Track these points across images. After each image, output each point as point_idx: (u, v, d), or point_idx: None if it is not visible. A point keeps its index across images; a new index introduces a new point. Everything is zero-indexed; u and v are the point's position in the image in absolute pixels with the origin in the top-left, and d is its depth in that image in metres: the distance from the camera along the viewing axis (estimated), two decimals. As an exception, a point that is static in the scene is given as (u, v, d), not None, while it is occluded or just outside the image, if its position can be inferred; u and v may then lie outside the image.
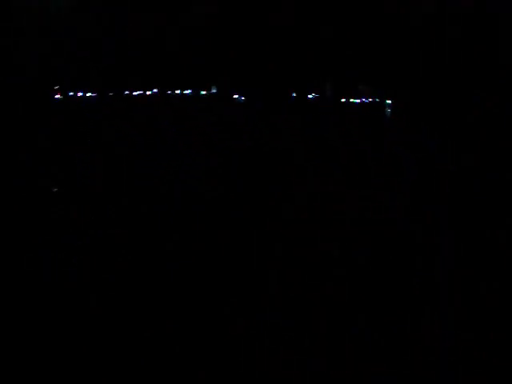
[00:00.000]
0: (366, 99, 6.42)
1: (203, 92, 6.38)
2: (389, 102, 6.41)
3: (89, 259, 5.88)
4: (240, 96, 6.39)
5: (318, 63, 6.49)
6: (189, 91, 6.36)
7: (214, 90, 6.39)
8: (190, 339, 5.49)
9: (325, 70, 6.48)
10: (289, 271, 5.83)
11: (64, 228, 5.98)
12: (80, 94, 6.19)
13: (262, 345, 5.39)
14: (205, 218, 6.06)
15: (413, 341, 5.41)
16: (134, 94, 6.28)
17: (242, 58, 6.46)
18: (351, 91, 6.45)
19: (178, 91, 6.35)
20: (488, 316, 5.54)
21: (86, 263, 5.86)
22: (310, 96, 6.43)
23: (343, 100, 6.44)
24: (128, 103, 6.26)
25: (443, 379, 5.18)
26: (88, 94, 6.22)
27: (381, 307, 5.65)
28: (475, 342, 5.35)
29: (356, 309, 5.64)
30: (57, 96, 6.17)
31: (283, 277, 5.81)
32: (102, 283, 5.78)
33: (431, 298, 5.67)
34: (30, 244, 5.89)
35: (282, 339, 5.44)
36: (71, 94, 6.20)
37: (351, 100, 6.43)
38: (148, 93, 6.31)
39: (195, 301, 5.76)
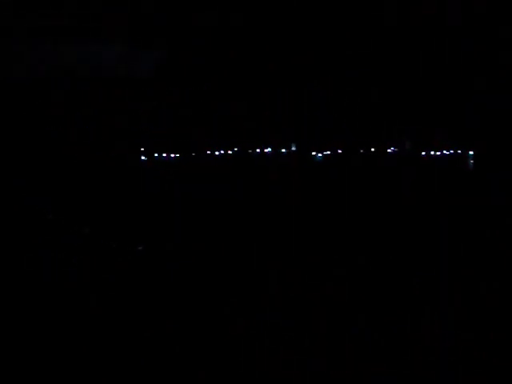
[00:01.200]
0: (447, 151, 6.27)
1: (283, 150, 6.38)
2: (471, 153, 6.25)
3: (89, 259, 5.87)
4: (317, 154, 6.35)
5: (395, 117, 6.42)
6: (269, 149, 6.36)
7: (294, 148, 6.36)
8: (190, 339, 5.47)
9: (402, 123, 6.38)
10: (289, 271, 5.83)
11: (64, 228, 5.99)
12: (164, 155, 6.31)
13: (261, 345, 5.38)
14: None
15: (413, 341, 5.39)
16: (216, 153, 6.34)
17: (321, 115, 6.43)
18: (430, 143, 6.29)
19: (257, 149, 6.37)
20: (488, 316, 5.53)
21: (86, 263, 5.85)
22: (389, 150, 6.34)
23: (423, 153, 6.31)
24: (210, 163, 6.33)
25: (443, 379, 5.16)
26: (172, 155, 6.33)
27: (381, 307, 5.64)
28: (475, 342, 5.34)
29: (356, 309, 5.63)
30: (143, 157, 6.29)
31: (283, 277, 5.80)
32: (102, 283, 5.77)
33: (431, 298, 5.66)
34: (30, 244, 5.89)
35: (282, 339, 5.43)
36: (156, 155, 6.33)
37: (432, 152, 6.29)
38: (229, 152, 6.36)
39: (195, 301, 5.75)
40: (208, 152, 6.46)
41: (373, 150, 6.41)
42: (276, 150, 6.45)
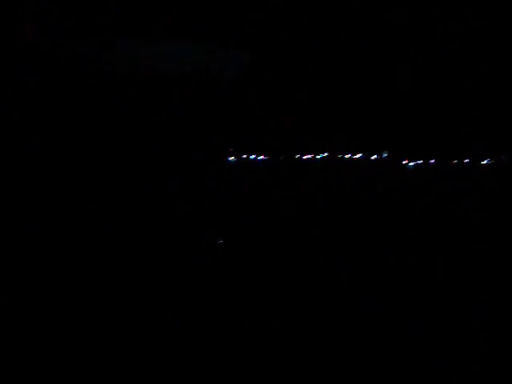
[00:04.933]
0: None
1: (374, 156, 6.24)
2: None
3: (89, 259, 5.89)
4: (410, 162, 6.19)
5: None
6: (360, 155, 6.24)
7: (385, 155, 6.20)
8: (189, 339, 5.48)
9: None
10: (288, 269, 5.84)
11: (64, 228, 6.01)
12: (252, 156, 6.29)
13: (261, 342, 5.39)
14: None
15: (414, 337, 5.40)
16: (304, 158, 6.27)
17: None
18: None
19: (348, 155, 6.24)
20: (487, 314, 5.54)
21: (86, 263, 5.87)
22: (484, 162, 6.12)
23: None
24: (298, 167, 6.25)
25: (442, 375, 5.18)
26: (260, 158, 6.30)
27: (381, 304, 5.65)
28: (474, 340, 5.35)
29: (356, 305, 5.64)
30: (230, 158, 6.28)
31: (283, 274, 5.81)
32: (102, 283, 5.79)
33: (430, 295, 5.67)
34: (30, 244, 5.91)
35: (281, 336, 5.43)
36: (244, 156, 6.29)
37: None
38: (318, 157, 6.28)
39: (195, 300, 5.76)
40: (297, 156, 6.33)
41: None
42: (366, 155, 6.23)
